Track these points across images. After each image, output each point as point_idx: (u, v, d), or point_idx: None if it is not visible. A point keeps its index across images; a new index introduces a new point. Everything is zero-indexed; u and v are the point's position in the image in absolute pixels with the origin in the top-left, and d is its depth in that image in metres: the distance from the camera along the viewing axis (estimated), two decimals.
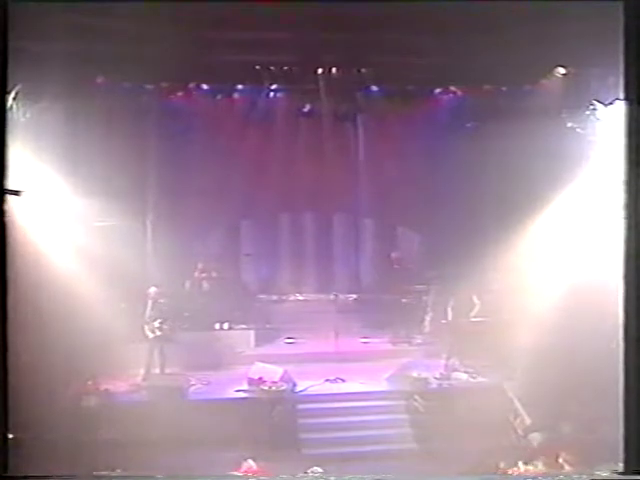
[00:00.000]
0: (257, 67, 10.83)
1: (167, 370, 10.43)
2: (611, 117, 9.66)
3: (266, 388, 9.56)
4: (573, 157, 11.04)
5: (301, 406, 9.68)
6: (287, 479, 8.16)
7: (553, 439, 8.32)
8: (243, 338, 11.58)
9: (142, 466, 8.10)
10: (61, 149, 9.82)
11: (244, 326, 11.83)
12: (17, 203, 9.04)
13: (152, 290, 10.43)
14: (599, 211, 10.56)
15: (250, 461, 7.83)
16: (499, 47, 9.73)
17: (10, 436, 6.14)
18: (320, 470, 7.84)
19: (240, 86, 11.64)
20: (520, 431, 8.70)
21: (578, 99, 10.66)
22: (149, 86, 11.08)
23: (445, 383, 10.17)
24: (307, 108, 11.52)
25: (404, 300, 12.16)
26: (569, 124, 11.09)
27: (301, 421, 9.49)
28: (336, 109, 11.68)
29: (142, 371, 10.12)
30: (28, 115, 9.68)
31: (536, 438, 8.48)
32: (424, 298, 12.07)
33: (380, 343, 11.92)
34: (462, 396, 9.75)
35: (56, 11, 7.80)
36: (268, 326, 12.40)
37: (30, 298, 8.20)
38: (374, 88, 11.44)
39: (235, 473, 7.80)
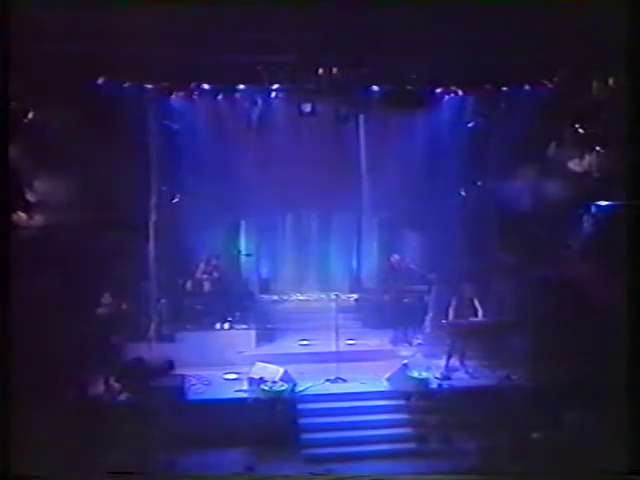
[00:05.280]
0: (258, 67, 10.83)
1: None
2: (612, 116, 9.67)
3: (266, 388, 9.56)
4: (574, 157, 11.06)
5: (301, 406, 9.67)
6: (287, 479, 8.18)
7: (553, 439, 8.31)
8: (244, 338, 11.58)
9: (142, 466, 8.12)
10: (61, 149, 9.86)
11: (245, 326, 11.83)
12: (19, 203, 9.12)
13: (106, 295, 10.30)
14: (600, 210, 10.59)
15: None
16: (500, 47, 9.74)
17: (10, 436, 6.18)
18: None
19: (241, 86, 11.61)
20: (520, 431, 8.68)
21: (579, 99, 10.67)
22: (149, 86, 11.09)
23: (445, 383, 10.17)
24: (308, 108, 11.49)
25: (405, 300, 12.16)
26: (570, 124, 11.11)
27: (301, 421, 9.49)
28: (337, 109, 11.66)
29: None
30: (29, 116, 9.72)
31: (536, 438, 8.46)
32: (425, 298, 12.08)
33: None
34: (462, 396, 9.76)
35: (56, 11, 7.83)
36: (269, 326, 12.43)
37: (31, 299, 8.23)
38: (374, 88, 11.44)
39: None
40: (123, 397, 9.28)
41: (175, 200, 12.16)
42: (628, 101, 7.56)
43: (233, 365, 10.65)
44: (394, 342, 11.97)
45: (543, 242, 11.03)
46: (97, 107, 10.22)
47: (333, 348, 10.81)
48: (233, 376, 10.25)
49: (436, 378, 10.21)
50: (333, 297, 11.43)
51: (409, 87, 11.22)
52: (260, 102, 11.82)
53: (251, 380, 9.77)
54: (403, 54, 10.27)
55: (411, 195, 12.43)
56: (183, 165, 12.04)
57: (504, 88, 11.63)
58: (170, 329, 11.40)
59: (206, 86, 11.46)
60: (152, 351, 10.42)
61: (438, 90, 11.84)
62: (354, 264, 14.11)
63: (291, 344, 11.95)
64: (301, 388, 9.97)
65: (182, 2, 8.22)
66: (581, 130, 10.90)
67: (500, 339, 10.56)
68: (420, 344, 11.71)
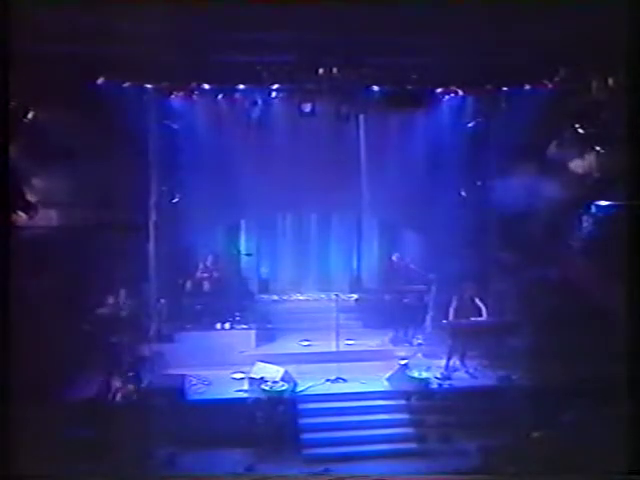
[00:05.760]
0: (258, 67, 10.83)
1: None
2: (612, 116, 9.67)
3: (267, 388, 9.56)
4: (574, 157, 11.06)
5: (302, 406, 9.68)
6: (287, 479, 8.19)
7: (553, 439, 8.32)
8: (244, 338, 11.59)
9: (142, 466, 8.13)
10: (61, 149, 9.86)
11: (245, 326, 11.85)
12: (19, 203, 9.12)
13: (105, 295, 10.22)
14: (600, 210, 10.59)
15: None
16: (500, 47, 9.75)
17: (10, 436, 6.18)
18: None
19: (241, 86, 11.61)
20: (520, 431, 8.69)
21: (579, 99, 10.67)
22: (149, 86, 11.09)
23: (446, 383, 10.17)
24: (308, 108, 11.48)
25: (405, 300, 12.15)
26: (570, 124, 11.11)
27: (302, 421, 9.49)
28: (337, 109, 11.65)
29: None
30: (30, 116, 9.72)
31: (536, 438, 8.46)
32: (425, 298, 12.08)
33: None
34: (462, 396, 9.77)
35: (56, 11, 7.83)
36: (269, 326, 12.44)
37: (31, 299, 8.24)
38: (374, 88, 11.43)
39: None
40: (123, 397, 9.29)
41: (175, 200, 12.16)
42: (628, 101, 7.57)
43: (233, 365, 10.63)
44: (394, 342, 11.98)
45: (543, 242, 11.02)
46: (97, 107, 10.21)
47: (333, 348, 10.83)
48: (240, 375, 10.20)
49: (436, 378, 10.22)
50: (333, 297, 11.44)
51: (409, 87, 11.22)
52: (260, 102, 11.80)
53: (252, 380, 9.77)
54: (403, 54, 10.27)
55: (411, 195, 12.42)
56: (183, 165, 12.02)
57: (504, 88, 11.63)
58: (170, 329, 11.41)
59: (206, 86, 11.45)
60: (152, 351, 10.42)
61: (438, 90, 11.83)
62: (354, 264, 14.11)
63: (292, 344, 11.95)
64: (302, 388, 9.98)
65: (182, 2, 8.21)
66: (581, 130, 10.89)
67: (500, 339, 10.57)
68: (420, 344, 11.71)
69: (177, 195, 12.17)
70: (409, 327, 12.01)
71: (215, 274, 12.32)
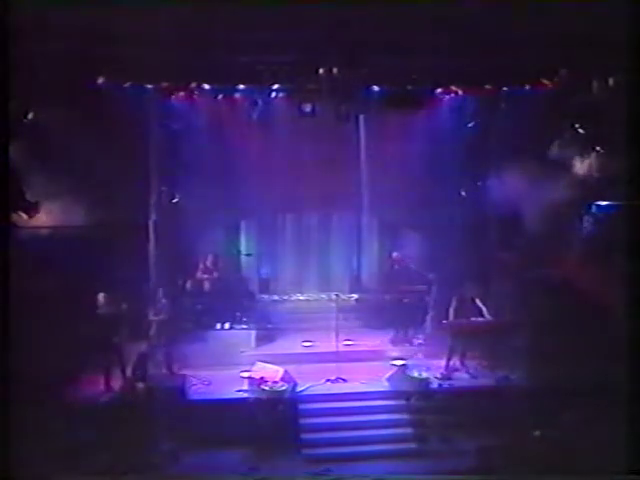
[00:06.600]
0: (258, 67, 10.84)
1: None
2: (612, 116, 9.67)
3: (267, 388, 9.55)
4: (574, 157, 11.07)
5: (302, 406, 9.68)
6: (287, 479, 8.20)
7: (553, 439, 8.32)
8: (244, 338, 11.61)
9: (142, 466, 8.13)
10: (61, 149, 9.87)
11: (245, 326, 11.85)
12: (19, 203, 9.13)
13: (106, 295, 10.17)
14: (600, 210, 10.60)
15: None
16: (500, 47, 9.75)
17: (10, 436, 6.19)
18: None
19: (241, 86, 11.61)
20: (520, 431, 8.69)
21: (579, 99, 10.68)
22: (149, 86, 11.09)
23: (446, 383, 10.17)
24: (308, 108, 11.48)
25: (405, 300, 12.15)
26: (570, 124, 11.12)
27: (302, 421, 9.49)
28: (337, 109, 11.65)
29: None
30: (30, 116, 9.73)
31: (536, 438, 8.46)
32: (425, 298, 12.07)
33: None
34: (462, 396, 9.77)
35: (56, 11, 7.84)
36: (269, 326, 12.44)
37: (31, 299, 8.24)
38: (375, 88, 11.43)
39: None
40: (131, 395, 9.32)
41: (175, 200, 12.16)
42: (628, 101, 7.57)
43: (233, 365, 10.60)
44: (394, 342, 11.97)
45: (543, 242, 11.03)
46: (97, 107, 10.22)
47: (333, 348, 10.82)
48: (248, 374, 10.07)
49: (436, 378, 10.21)
50: (333, 297, 11.44)
51: (409, 87, 11.22)
52: (260, 102, 11.81)
53: (251, 380, 9.77)
54: (403, 54, 10.27)
55: (411, 195, 12.43)
56: (183, 165, 12.03)
57: (504, 88, 11.63)
58: (170, 329, 11.39)
59: (206, 86, 11.45)
60: (152, 351, 10.43)
61: (438, 90, 11.84)
62: (354, 264, 14.10)
63: (292, 344, 11.94)
64: (302, 388, 9.97)
65: (182, 2, 8.22)
66: (581, 130, 10.91)
67: (500, 339, 10.57)
68: (420, 344, 11.70)
69: (177, 195, 12.18)
70: (409, 327, 12.00)
71: (215, 274, 12.33)
